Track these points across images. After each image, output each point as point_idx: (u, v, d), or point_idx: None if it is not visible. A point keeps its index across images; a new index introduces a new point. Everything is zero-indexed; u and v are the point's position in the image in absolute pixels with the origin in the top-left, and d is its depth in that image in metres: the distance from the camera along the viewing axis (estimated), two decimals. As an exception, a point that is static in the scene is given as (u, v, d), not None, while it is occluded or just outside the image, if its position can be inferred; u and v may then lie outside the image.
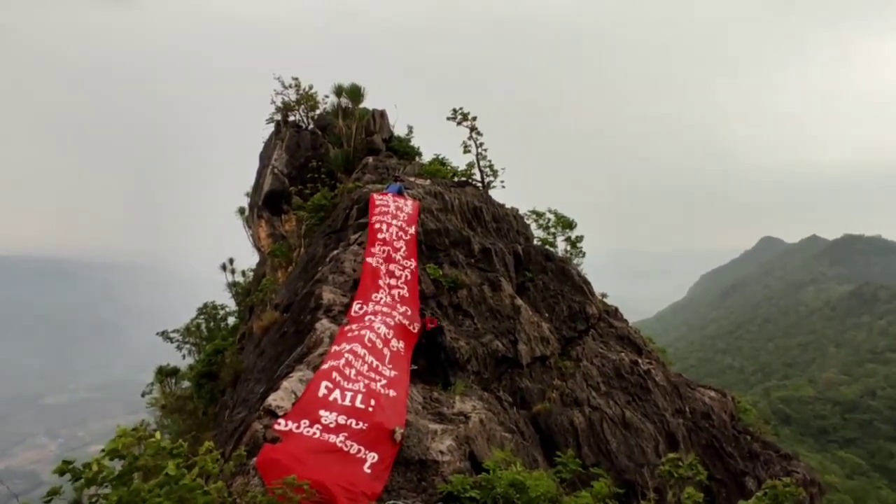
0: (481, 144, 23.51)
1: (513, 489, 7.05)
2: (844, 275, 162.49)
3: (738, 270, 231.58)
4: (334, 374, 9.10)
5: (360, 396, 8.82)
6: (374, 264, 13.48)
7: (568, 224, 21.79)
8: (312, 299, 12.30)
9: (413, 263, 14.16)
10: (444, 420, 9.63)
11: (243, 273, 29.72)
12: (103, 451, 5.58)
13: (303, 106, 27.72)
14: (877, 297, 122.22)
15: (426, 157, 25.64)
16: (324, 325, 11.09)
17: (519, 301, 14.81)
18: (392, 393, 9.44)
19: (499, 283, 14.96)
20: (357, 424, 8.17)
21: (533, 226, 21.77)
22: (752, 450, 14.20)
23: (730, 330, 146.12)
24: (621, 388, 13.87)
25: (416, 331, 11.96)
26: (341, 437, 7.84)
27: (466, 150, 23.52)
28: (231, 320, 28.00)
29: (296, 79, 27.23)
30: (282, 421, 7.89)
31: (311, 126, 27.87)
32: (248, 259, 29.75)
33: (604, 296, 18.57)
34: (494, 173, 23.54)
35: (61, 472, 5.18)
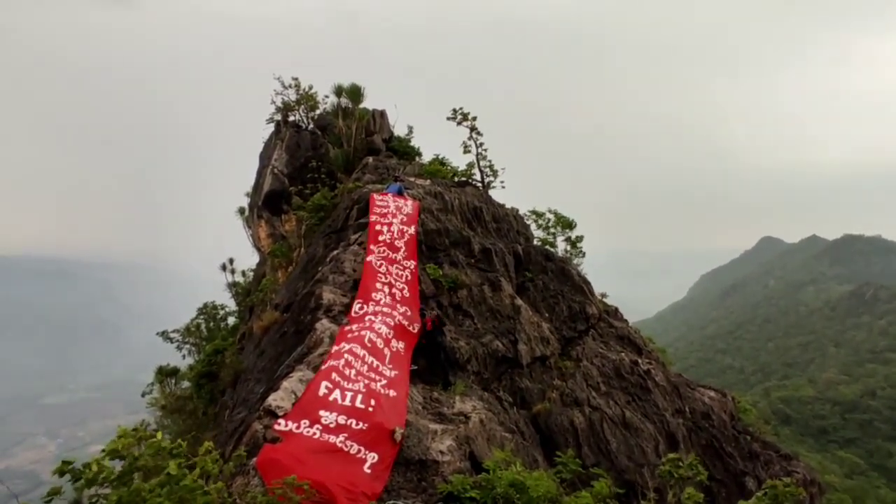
0: (481, 144, 23.54)
1: (513, 489, 7.05)
2: (844, 275, 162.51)
3: (738, 270, 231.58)
4: (334, 374, 9.10)
5: (360, 396, 8.81)
6: (373, 264, 13.48)
7: (568, 224, 21.80)
8: (312, 299, 12.30)
9: (413, 263, 14.16)
10: (445, 420, 9.63)
11: (243, 273, 29.74)
12: (103, 451, 5.57)
13: (303, 106, 27.72)
14: (877, 297, 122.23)
15: (426, 157, 25.66)
16: (324, 325, 11.09)
17: (519, 301, 14.81)
18: (392, 393, 9.44)
19: (499, 283, 14.96)
20: (357, 424, 8.17)
21: (533, 226, 21.79)
22: (752, 450, 14.20)
23: (730, 330, 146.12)
24: (621, 388, 13.87)
25: (416, 331, 11.96)
26: (341, 438, 7.84)
27: (466, 151, 23.54)
28: (231, 320, 28.01)
29: (296, 79, 27.27)
30: (282, 421, 7.89)
31: (311, 126, 27.88)
32: (248, 259, 29.79)
33: (604, 296, 18.57)
34: (494, 173, 23.56)
35: (61, 473, 5.17)
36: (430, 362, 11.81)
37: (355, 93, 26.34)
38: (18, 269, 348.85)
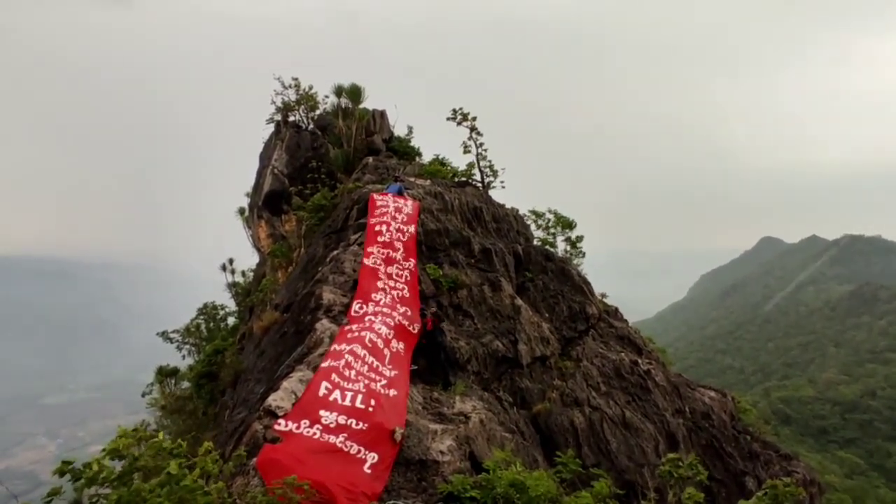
0: (481, 144, 23.53)
1: (513, 489, 7.05)
2: (844, 275, 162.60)
3: (738, 270, 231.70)
4: (334, 374, 9.10)
5: (360, 397, 8.81)
6: (372, 265, 13.48)
7: (568, 224, 21.80)
8: (312, 299, 12.30)
9: (413, 264, 14.16)
10: (445, 420, 9.63)
11: (243, 273, 29.76)
12: (103, 451, 5.57)
13: (303, 106, 27.74)
14: (877, 297, 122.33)
15: (426, 158, 25.67)
16: (324, 325, 11.09)
17: (519, 301, 14.81)
18: (392, 393, 9.44)
19: (499, 283, 14.96)
20: (357, 425, 8.17)
21: (533, 226, 21.79)
22: (752, 450, 14.21)
23: (730, 330, 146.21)
24: (621, 389, 13.87)
25: (416, 331, 11.96)
26: (341, 438, 7.84)
27: (466, 151, 23.53)
28: (231, 320, 28.02)
29: (296, 79, 27.29)
30: (282, 421, 7.88)
31: (311, 126, 27.89)
32: (248, 259, 29.80)
33: (604, 296, 18.58)
34: (494, 173, 23.55)
35: (61, 473, 5.16)
36: (430, 362, 11.82)
37: (355, 93, 26.34)
38: (18, 269, 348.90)
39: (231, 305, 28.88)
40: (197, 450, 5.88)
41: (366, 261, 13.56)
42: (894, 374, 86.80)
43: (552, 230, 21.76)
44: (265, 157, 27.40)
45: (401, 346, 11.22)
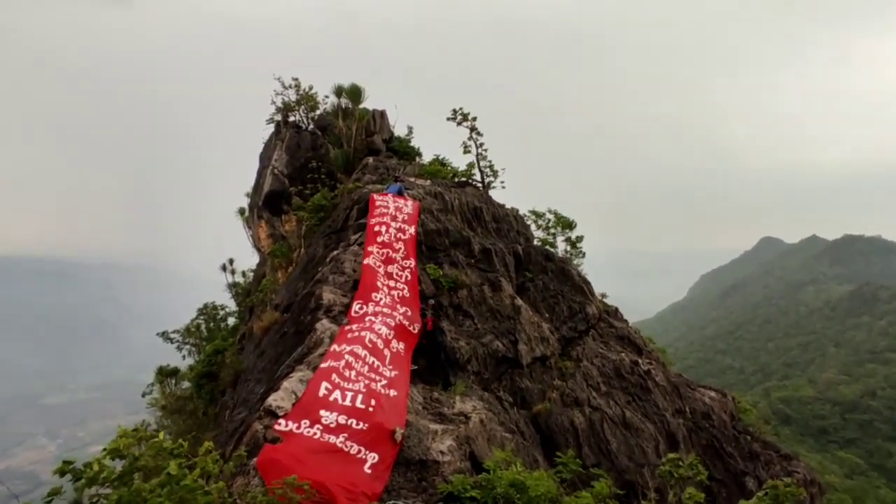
0: (481, 145, 23.55)
1: (513, 489, 7.05)
2: (844, 275, 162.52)
3: (738, 270, 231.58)
4: (334, 374, 9.10)
5: (360, 397, 8.81)
6: (372, 265, 13.48)
7: (568, 224, 21.81)
8: (313, 300, 12.31)
9: (413, 264, 14.16)
10: (445, 420, 9.63)
11: (243, 273, 29.77)
12: (104, 451, 5.57)
13: (303, 106, 27.75)
14: (877, 297, 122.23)
15: (426, 158, 25.68)
16: (324, 325, 11.09)
17: (519, 301, 14.81)
18: (392, 393, 9.44)
19: (499, 283, 14.96)
20: (357, 425, 8.17)
21: (533, 226, 21.80)
22: (753, 450, 14.20)
23: (730, 330, 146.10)
24: (621, 389, 13.87)
25: (416, 331, 11.97)
26: (342, 438, 7.84)
27: (466, 151, 23.55)
28: (231, 321, 28.03)
29: (296, 79, 27.31)
30: (282, 421, 7.89)
31: (311, 126, 27.89)
32: (248, 259, 29.81)
33: (604, 296, 18.58)
34: (494, 173, 23.57)
35: (61, 473, 5.16)
36: (430, 362, 11.82)
37: (355, 93, 26.35)
38: (18, 269, 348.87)
39: (231, 305, 28.91)
40: (197, 450, 5.87)
41: (366, 261, 13.55)
42: (894, 374, 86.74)
43: (552, 230, 21.77)
44: (265, 158, 27.40)
45: (401, 346, 11.23)
